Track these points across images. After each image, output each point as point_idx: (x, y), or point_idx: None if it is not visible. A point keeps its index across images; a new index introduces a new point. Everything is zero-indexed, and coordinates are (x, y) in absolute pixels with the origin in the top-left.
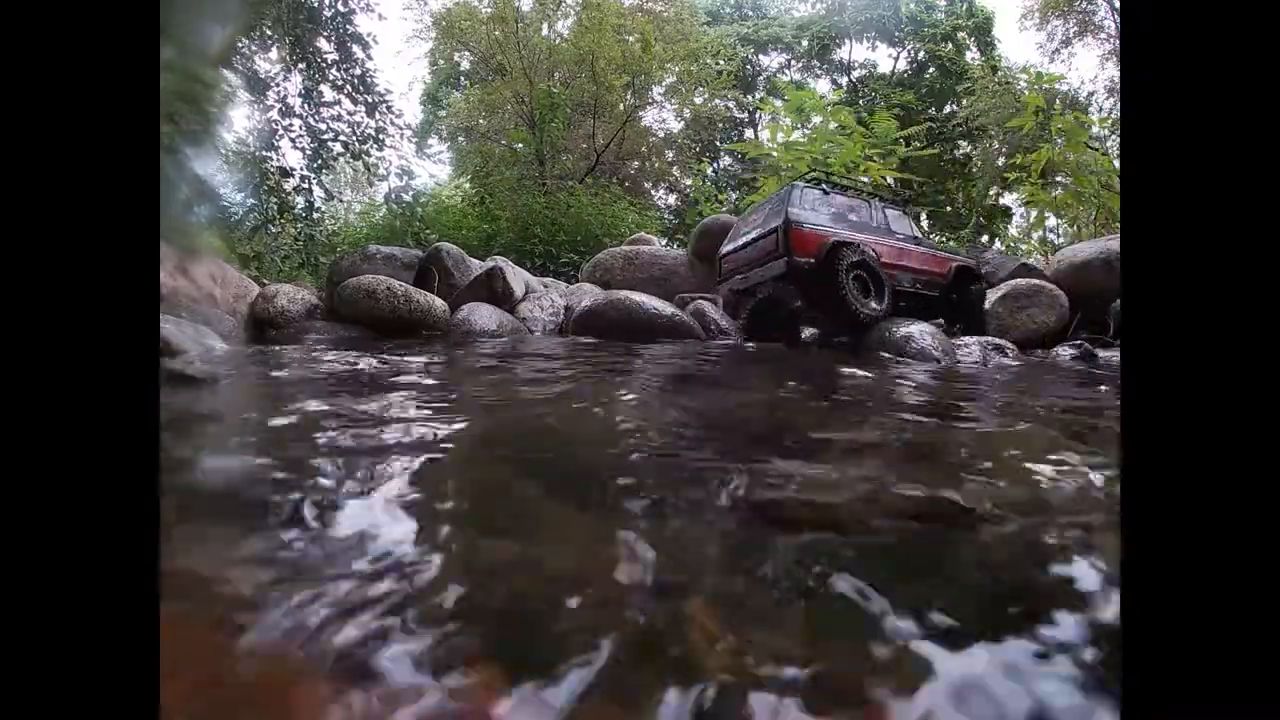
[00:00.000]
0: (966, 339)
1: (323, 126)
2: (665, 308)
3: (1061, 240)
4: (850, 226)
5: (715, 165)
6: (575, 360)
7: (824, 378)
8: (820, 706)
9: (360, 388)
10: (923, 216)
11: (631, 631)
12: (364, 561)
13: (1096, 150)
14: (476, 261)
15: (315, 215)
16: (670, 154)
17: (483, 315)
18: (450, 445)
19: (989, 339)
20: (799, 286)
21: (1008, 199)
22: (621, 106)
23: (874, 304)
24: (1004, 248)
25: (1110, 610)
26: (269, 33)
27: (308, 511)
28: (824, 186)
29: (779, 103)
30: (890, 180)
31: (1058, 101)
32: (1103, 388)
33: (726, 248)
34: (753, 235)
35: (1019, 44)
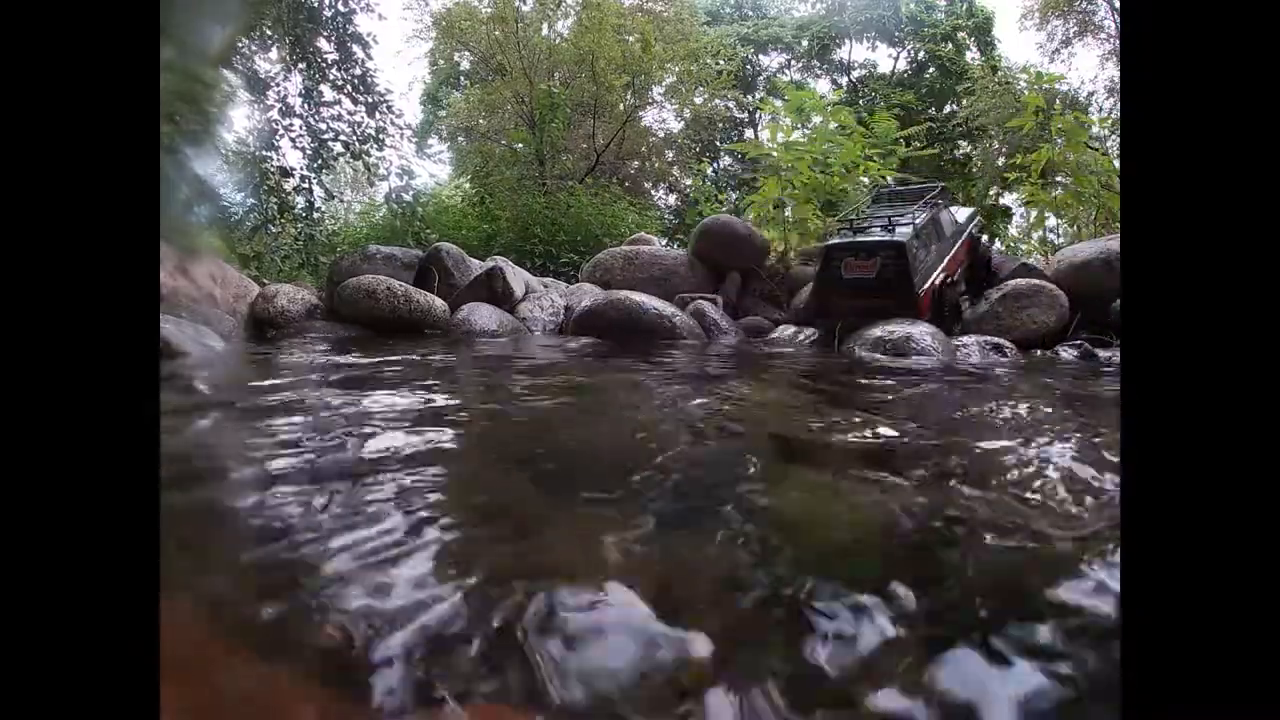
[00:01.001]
0: (965, 339)
1: (323, 126)
2: (665, 308)
3: (1061, 240)
4: (941, 250)
5: (715, 165)
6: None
7: None
8: None
9: None
10: None
11: None
12: None
13: (1096, 150)
14: (476, 261)
15: (315, 215)
16: (670, 154)
17: (483, 315)
18: None
19: (988, 338)
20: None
21: (1008, 199)
22: (621, 106)
23: (958, 323)
24: (1004, 248)
25: None
26: (269, 33)
27: None
28: (941, 201)
29: (779, 103)
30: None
31: (1058, 101)
32: None
33: (839, 240)
34: (872, 244)
35: (1019, 44)
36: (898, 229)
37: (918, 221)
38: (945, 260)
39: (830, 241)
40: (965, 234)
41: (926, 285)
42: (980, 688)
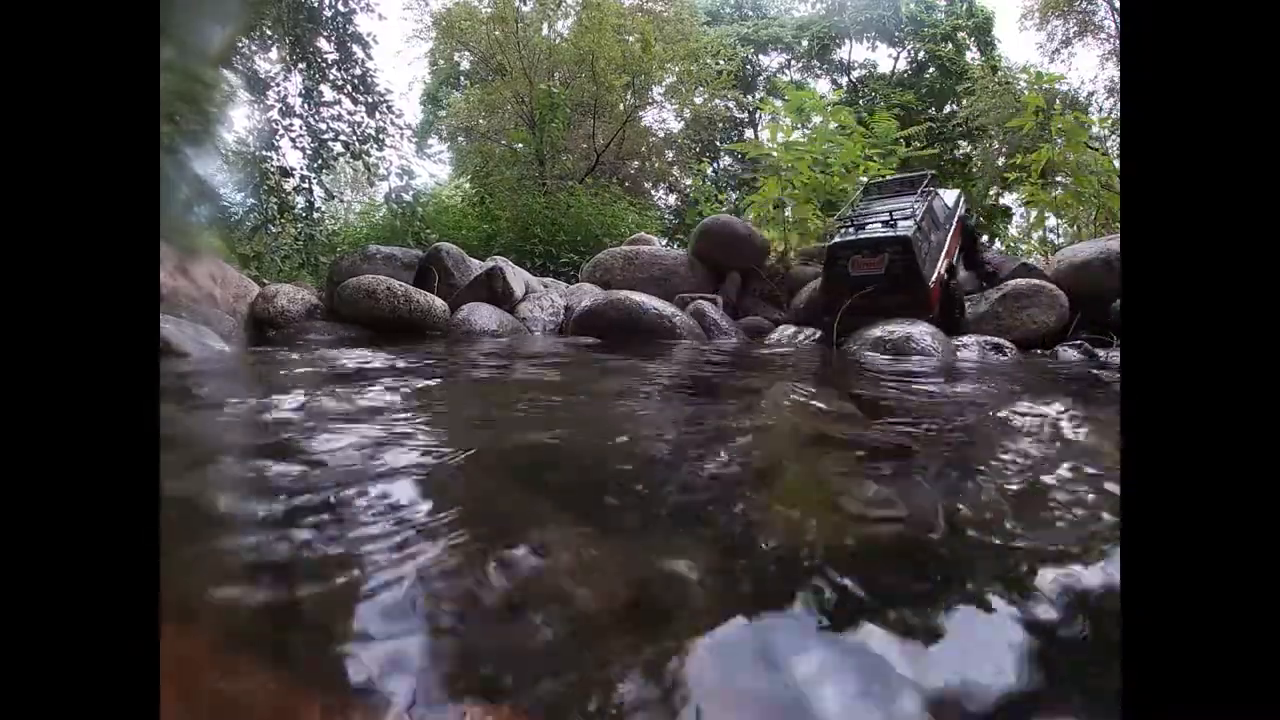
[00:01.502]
0: (965, 339)
1: (323, 126)
2: (665, 308)
3: (1061, 240)
4: (940, 240)
5: (715, 165)
6: None
7: None
8: None
9: None
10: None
11: None
12: None
13: (1096, 150)
14: (476, 261)
15: (315, 215)
16: (670, 154)
17: (483, 315)
18: None
19: (988, 338)
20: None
21: (1008, 199)
22: (621, 106)
23: (964, 313)
24: (1004, 248)
25: None
26: (269, 33)
27: None
28: (933, 189)
29: (779, 103)
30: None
31: (1058, 101)
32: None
33: (842, 239)
34: (876, 240)
35: (1019, 44)
36: (900, 223)
37: (917, 214)
38: (944, 249)
39: (833, 240)
40: (956, 218)
41: (934, 278)
42: None
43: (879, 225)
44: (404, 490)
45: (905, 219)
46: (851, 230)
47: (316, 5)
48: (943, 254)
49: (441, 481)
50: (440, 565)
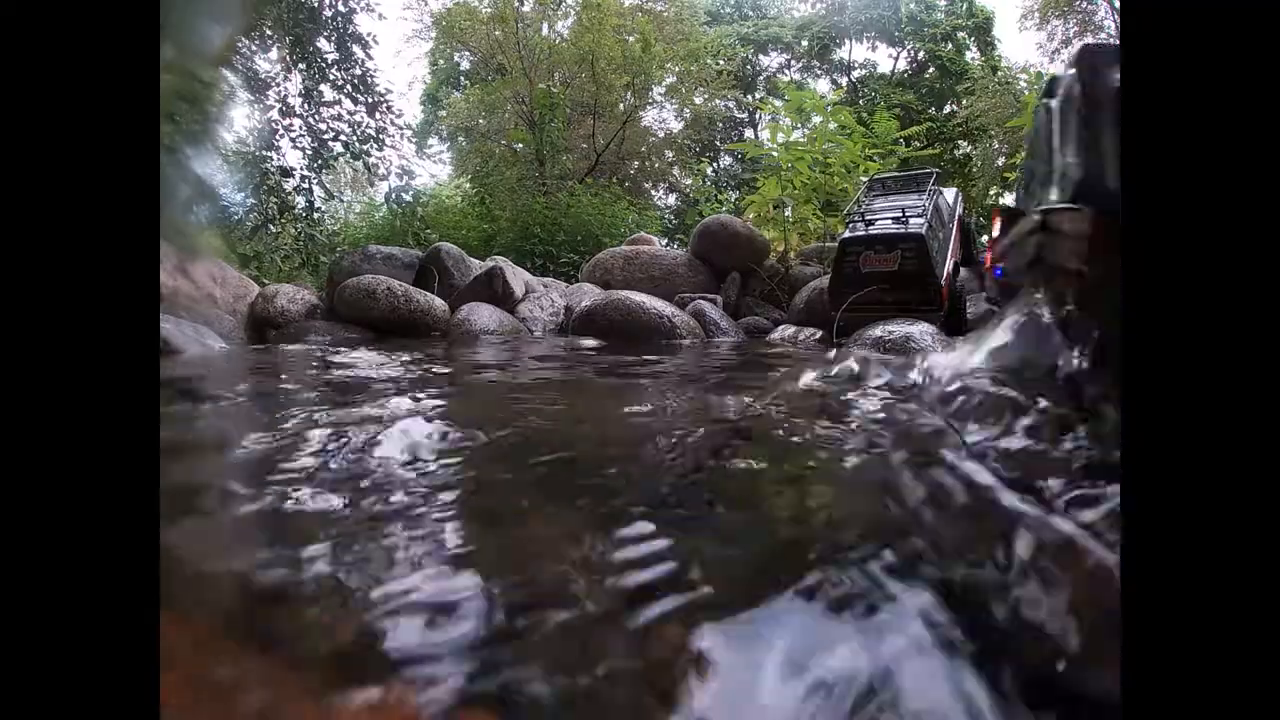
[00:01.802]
0: (964, 338)
1: (323, 126)
2: (665, 308)
3: None
4: (946, 237)
5: (715, 165)
6: None
7: None
8: None
9: None
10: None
11: None
12: None
13: None
14: (476, 261)
15: (315, 215)
16: (670, 154)
17: (483, 315)
18: None
19: None
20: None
21: (1008, 199)
22: (621, 106)
23: (965, 312)
24: None
25: None
26: (269, 33)
27: None
28: (937, 188)
29: (779, 103)
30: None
31: None
32: None
33: (853, 234)
34: (890, 236)
35: (1019, 44)
36: (912, 220)
37: (927, 211)
38: (951, 247)
39: (843, 235)
40: (957, 216)
41: (944, 276)
42: None
43: (889, 222)
44: None
45: (917, 216)
46: (862, 226)
47: (316, 5)
48: (950, 252)
49: None
50: None
